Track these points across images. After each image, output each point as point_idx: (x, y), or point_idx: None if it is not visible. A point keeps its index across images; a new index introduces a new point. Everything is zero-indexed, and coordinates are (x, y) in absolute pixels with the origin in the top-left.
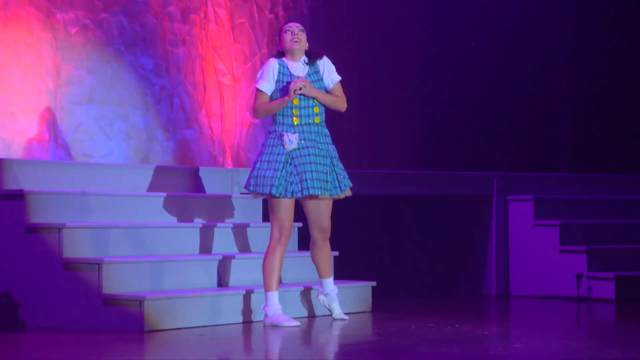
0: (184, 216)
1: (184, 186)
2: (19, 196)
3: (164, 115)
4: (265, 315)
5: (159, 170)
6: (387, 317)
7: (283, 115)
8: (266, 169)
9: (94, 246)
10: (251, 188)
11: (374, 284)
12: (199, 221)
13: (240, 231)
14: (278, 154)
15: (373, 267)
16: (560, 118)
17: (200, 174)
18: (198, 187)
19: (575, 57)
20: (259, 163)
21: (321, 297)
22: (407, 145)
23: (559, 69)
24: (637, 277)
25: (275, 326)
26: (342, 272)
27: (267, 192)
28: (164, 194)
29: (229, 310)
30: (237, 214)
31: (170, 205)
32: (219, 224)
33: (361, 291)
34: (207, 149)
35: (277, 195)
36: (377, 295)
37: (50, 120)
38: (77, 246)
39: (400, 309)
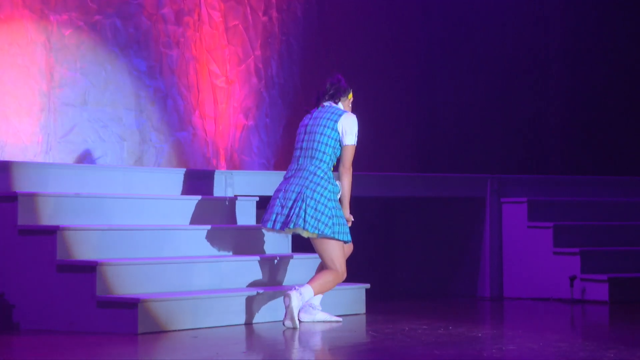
0: (179, 218)
1: (178, 188)
2: (13, 198)
3: (157, 117)
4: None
5: (153, 172)
6: (381, 319)
7: (332, 162)
8: (341, 217)
9: (88, 248)
10: (338, 237)
11: (368, 286)
12: (193, 223)
13: (235, 233)
14: (338, 200)
15: (367, 269)
16: (554, 121)
17: (194, 175)
18: (192, 189)
19: (568, 59)
20: (334, 210)
21: (303, 315)
22: (401, 147)
23: (551, 72)
24: (630, 279)
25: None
26: None
27: (349, 240)
28: (158, 196)
29: (224, 312)
30: (232, 216)
31: (164, 208)
32: (213, 226)
33: (355, 293)
34: (200, 151)
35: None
36: (371, 297)
37: (43, 122)
38: (71, 248)
39: (394, 311)
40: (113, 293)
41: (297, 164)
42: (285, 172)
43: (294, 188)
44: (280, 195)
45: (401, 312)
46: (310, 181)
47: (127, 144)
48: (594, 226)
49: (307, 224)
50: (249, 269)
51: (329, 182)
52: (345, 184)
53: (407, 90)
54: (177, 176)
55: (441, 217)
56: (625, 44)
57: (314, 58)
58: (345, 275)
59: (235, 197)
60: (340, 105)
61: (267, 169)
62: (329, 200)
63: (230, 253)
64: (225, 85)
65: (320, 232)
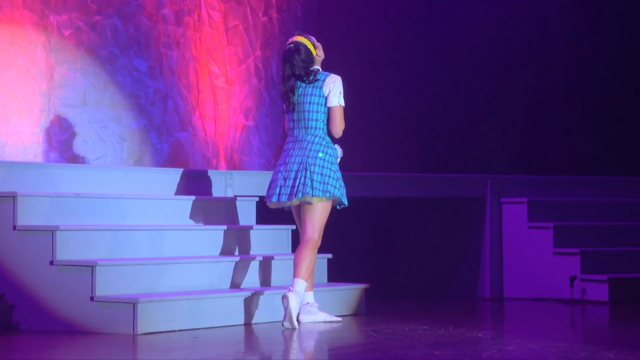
0: (178, 218)
1: (177, 188)
2: (13, 198)
3: (157, 117)
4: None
5: (153, 172)
6: (381, 319)
7: (325, 126)
8: (342, 179)
9: (87, 248)
10: (344, 199)
11: (368, 286)
12: (193, 223)
13: (235, 233)
14: (338, 163)
15: (367, 269)
16: (554, 121)
17: (194, 176)
18: (192, 189)
19: (569, 60)
20: (338, 173)
21: (303, 316)
22: (402, 148)
23: (552, 73)
24: (630, 279)
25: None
26: (336, 275)
27: (347, 204)
28: (158, 197)
29: (223, 312)
30: (232, 216)
31: (164, 208)
32: (213, 226)
33: (355, 293)
34: (200, 151)
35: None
36: (370, 297)
37: (43, 123)
38: (70, 248)
39: (394, 311)
40: (112, 293)
41: (294, 136)
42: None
43: (295, 159)
44: (281, 169)
45: (401, 312)
46: (310, 150)
47: (127, 145)
48: (594, 226)
49: (316, 190)
50: (249, 269)
51: (328, 146)
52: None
53: (407, 91)
54: (177, 176)
55: (441, 218)
56: (626, 45)
57: None
58: (320, 242)
59: (235, 197)
60: (319, 63)
61: (267, 169)
62: (332, 164)
63: (230, 253)
64: (226, 86)
65: (330, 195)
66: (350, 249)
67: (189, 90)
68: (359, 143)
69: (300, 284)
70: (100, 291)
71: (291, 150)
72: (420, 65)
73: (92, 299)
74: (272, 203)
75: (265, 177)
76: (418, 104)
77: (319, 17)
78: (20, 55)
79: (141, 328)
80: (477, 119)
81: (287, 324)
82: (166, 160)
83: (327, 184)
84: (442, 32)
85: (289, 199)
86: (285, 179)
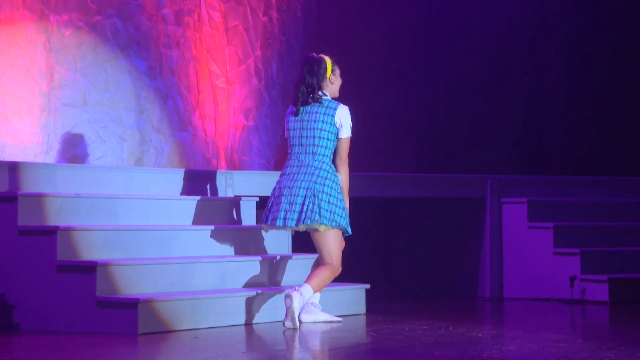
0: (179, 219)
1: (178, 188)
2: (13, 198)
3: (158, 117)
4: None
5: (153, 172)
6: (381, 319)
7: (332, 155)
8: (345, 208)
9: (88, 249)
10: (348, 228)
11: (368, 286)
12: (193, 223)
13: (235, 233)
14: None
15: (367, 270)
16: (554, 121)
17: (194, 176)
18: (192, 189)
19: (569, 60)
20: (343, 202)
21: (304, 316)
22: (402, 147)
23: (552, 73)
24: (630, 279)
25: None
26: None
27: (350, 232)
28: (158, 197)
29: (224, 312)
30: (232, 216)
31: (164, 208)
32: (214, 227)
33: (355, 293)
34: (200, 151)
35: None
36: (371, 297)
37: (44, 123)
38: (71, 249)
39: (394, 312)
40: (113, 293)
41: (299, 160)
42: (283, 168)
43: (301, 184)
44: (285, 192)
45: (401, 312)
46: (318, 176)
47: (128, 145)
48: (594, 226)
49: (323, 218)
50: (249, 269)
51: (334, 175)
52: (343, 177)
53: (407, 91)
54: (177, 176)
55: (441, 218)
56: (625, 45)
57: None
58: (340, 269)
59: (235, 197)
60: (329, 89)
61: (267, 169)
62: (338, 193)
63: (230, 253)
64: (226, 86)
65: (337, 224)
66: (350, 249)
67: (189, 90)
68: (359, 143)
69: (308, 290)
70: (101, 291)
71: (296, 175)
72: (420, 65)
73: (93, 299)
74: (275, 227)
75: (265, 177)
76: (418, 104)
77: (319, 17)
78: (20, 55)
79: (142, 328)
80: (477, 119)
81: (288, 324)
82: (166, 160)
83: (334, 212)
84: (442, 32)
85: (297, 224)
86: (291, 204)
